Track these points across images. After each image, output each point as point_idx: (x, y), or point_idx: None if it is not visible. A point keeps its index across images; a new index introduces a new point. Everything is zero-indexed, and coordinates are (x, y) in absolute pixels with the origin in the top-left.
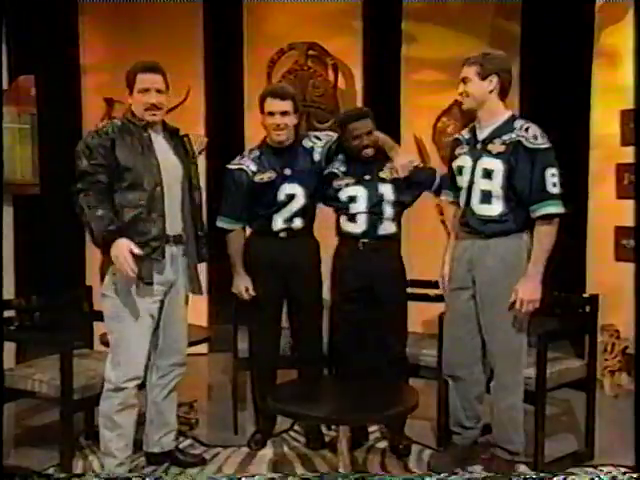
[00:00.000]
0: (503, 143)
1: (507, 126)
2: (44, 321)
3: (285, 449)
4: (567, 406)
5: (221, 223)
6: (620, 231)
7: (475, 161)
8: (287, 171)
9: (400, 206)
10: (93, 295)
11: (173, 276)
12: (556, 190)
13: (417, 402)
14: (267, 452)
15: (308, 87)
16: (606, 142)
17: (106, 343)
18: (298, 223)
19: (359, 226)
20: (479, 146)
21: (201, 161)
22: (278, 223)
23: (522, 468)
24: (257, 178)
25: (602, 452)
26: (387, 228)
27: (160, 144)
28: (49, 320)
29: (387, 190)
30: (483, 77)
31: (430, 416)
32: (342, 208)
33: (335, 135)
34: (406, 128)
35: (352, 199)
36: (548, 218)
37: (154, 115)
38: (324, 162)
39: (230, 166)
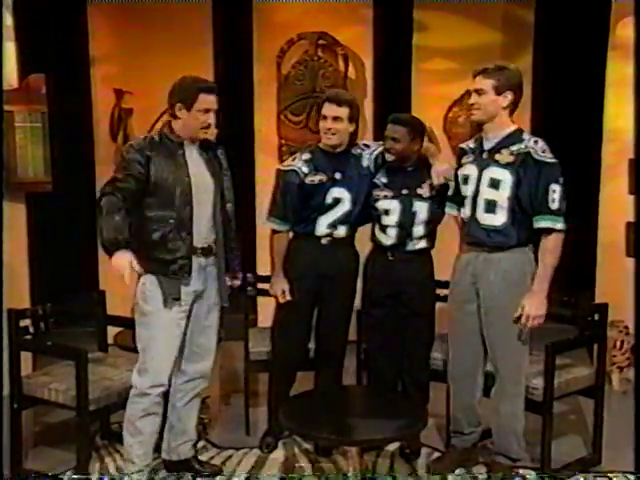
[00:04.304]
0: (512, 153)
1: (515, 137)
2: (58, 326)
3: (296, 451)
4: (575, 405)
5: (270, 223)
6: (631, 227)
7: (481, 170)
8: (337, 175)
9: (433, 223)
10: (106, 299)
11: (201, 286)
12: (555, 206)
13: (426, 421)
14: (279, 455)
15: (318, 77)
16: (620, 137)
17: (120, 345)
18: (341, 231)
19: (389, 238)
20: (485, 155)
21: None
22: (322, 227)
23: (522, 471)
24: (308, 180)
25: (609, 451)
26: (415, 245)
27: (194, 159)
28: (64, 325)
29: (421, 208)
30: (499, 92)
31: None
32: (376, 217)
33: None
34: None
35: (386, 212)
36: (549, 233)
37: (206, 133)
38: (372, 169)
39: (281, 167)
